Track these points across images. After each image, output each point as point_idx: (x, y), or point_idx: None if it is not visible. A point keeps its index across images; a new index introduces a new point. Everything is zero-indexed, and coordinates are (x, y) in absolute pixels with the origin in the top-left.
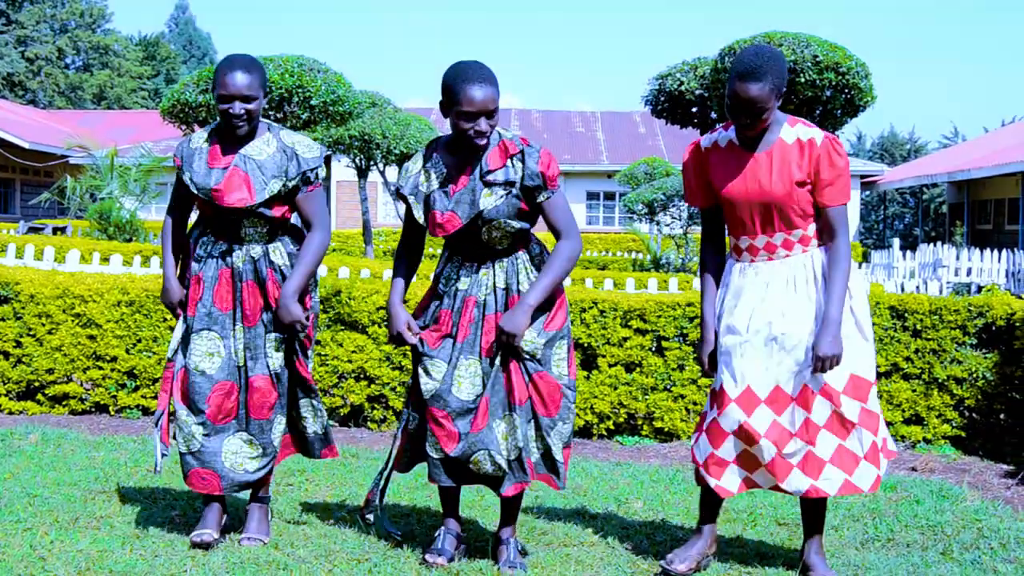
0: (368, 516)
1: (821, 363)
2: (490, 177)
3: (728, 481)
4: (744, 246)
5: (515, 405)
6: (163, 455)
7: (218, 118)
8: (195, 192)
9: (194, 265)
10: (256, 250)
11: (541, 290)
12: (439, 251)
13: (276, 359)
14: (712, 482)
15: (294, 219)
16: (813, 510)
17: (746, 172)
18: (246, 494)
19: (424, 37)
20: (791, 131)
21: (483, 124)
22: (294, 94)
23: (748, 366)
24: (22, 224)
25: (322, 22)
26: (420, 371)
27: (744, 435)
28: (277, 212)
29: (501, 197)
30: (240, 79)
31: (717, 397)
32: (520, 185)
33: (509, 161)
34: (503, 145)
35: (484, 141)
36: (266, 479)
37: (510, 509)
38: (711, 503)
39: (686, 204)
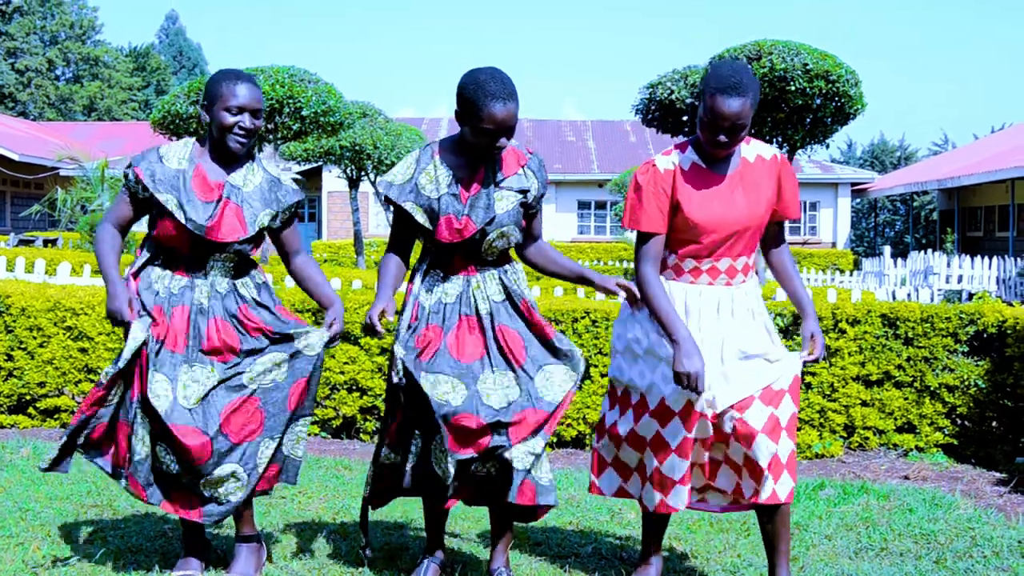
0: (367, 553)
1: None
2: (505, 183)
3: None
4: (705, 268)
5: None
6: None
7: (203, 134)
8: (183, 224)
9: (146, 296)
10: (222, 284)
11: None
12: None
13: (267, 379)
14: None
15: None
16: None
17: (723, 197)
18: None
19: (415, 47)
20: (749, 149)
21: (503, 141)
22: (285, 105)
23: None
24: (12, 236)
25: (313, 33)
26: (430, 390)
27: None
28: (255, 245)
29: (512, 204)
30: (251, 91)
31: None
32: (533, 195)
33: (521, 170)
34: (513, 152)
35: (500, 153)
36: (245, 514)
37: (504, 536)
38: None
39: (630, 229)
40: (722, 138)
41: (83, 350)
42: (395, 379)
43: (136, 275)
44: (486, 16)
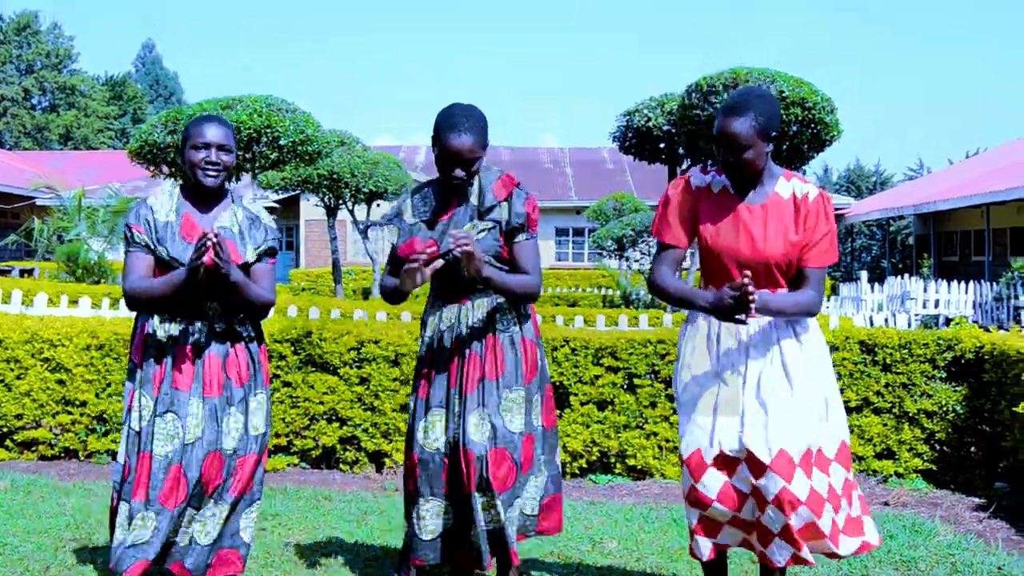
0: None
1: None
2: (490, 216)
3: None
4: None
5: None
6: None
7: (179, 180)
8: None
9: (152, 343)
10: (219, 325)
11: (498, 278)
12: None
13: (234, 436)
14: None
15: None
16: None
17: (740, 225)
18: None
19: (392, 76)
20: (787, 186)
21: (457, 171)
22: (263, 134)
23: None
24: None
25: (290, 62)
26: (420, 431)
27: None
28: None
29: (483, 232)
30: (218, 128)
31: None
32: (505, 224)
33: (504, 201)
34: (504, 184)
35: (459, 184)
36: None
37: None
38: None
39: (655, 238)
40: (727, 157)
41: (61, 382)
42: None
43: (144, 322)
44: (464, 45)
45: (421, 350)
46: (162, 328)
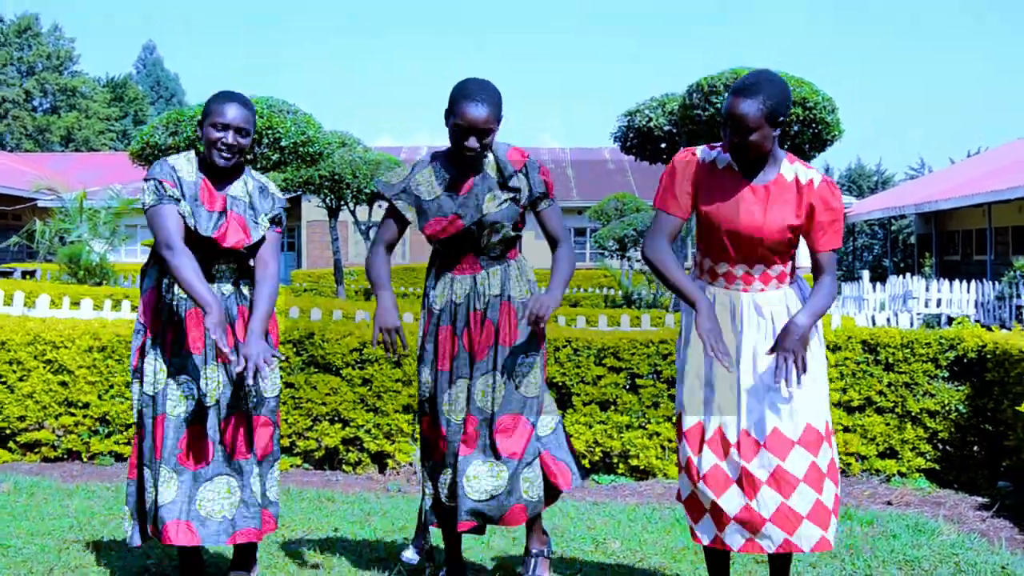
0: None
1: (784, 357)
2: (511, 182)
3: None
4: (721, 271)
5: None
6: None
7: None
8: (194, 230)
9: (163, 308)
10: (226, 287)
11: (563, 283)
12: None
13: (253, 396)
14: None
15: None
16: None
17: (739, 202)
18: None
19: (392, 77)
20: (790, 168)
21: (472, 142)
22: (264, 135)
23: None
24: None
25: (291, 64)
26: (444, 404)
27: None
28: (253, 254)
29: (504, 203)
30: (238, 110)
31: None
32: (528, 194)
33: (521, 170)
34: (518, 154)
35: (473, 156)
36: (248, 551)
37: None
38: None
39: (656, 208)
40: (732, 138)
41: (63, 383)
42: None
43: (156, 282)
44: (463, 46)
45: (430, 323)
46: (173, 291)
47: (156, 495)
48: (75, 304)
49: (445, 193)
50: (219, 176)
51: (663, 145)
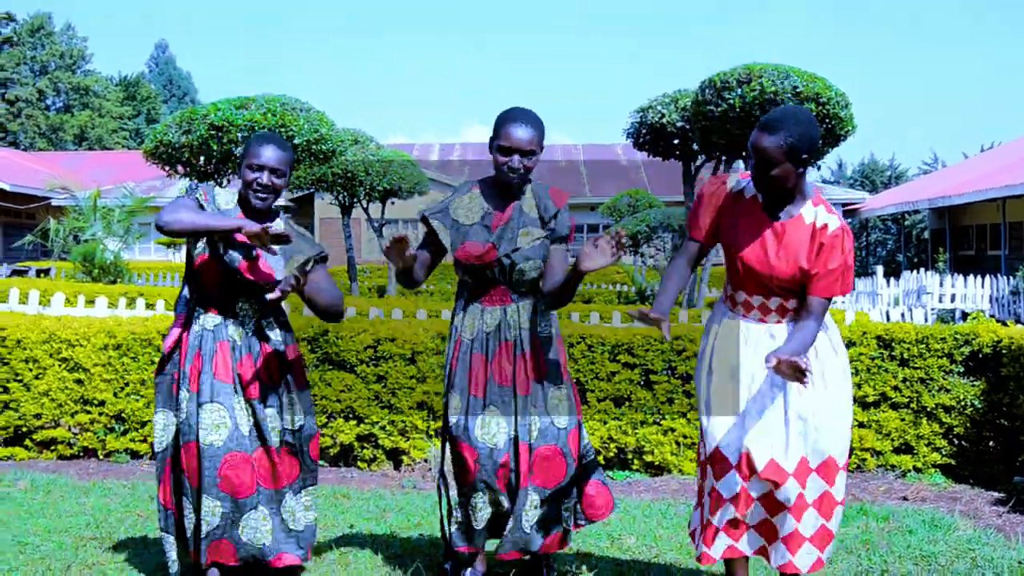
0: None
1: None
2: (550, 224)
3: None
4: (740, 300)
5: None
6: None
7: (195, 180)
8: (224, 263)
9: (191, 337)
10: (250, 325)
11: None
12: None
13: (278, 431)
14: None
15: None
16: None
17: (755, 236)
18: None
19: (404, 74)
20: (812, 210)
21: (515, 161)
22: (277, 133)
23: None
24: (5, 267)
25: (303, 61)
26: (477, 431)
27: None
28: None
29: (537, 240)
30: (275, 152)
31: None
32: (551, 232)
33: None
34: (555, 190)
35: (516, 178)
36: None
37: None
38: None
39: (687, 233)
40: (754, 172)
41: (79, 381)
42: (451, 428)
43: (184, 317)
44: (474, 43)
45: (459, 350)
46: (199, 321)
47: (197, 521)
48: (90, 302)
49: (481, 221)
50: (255, 217)
51: (676, 141)
